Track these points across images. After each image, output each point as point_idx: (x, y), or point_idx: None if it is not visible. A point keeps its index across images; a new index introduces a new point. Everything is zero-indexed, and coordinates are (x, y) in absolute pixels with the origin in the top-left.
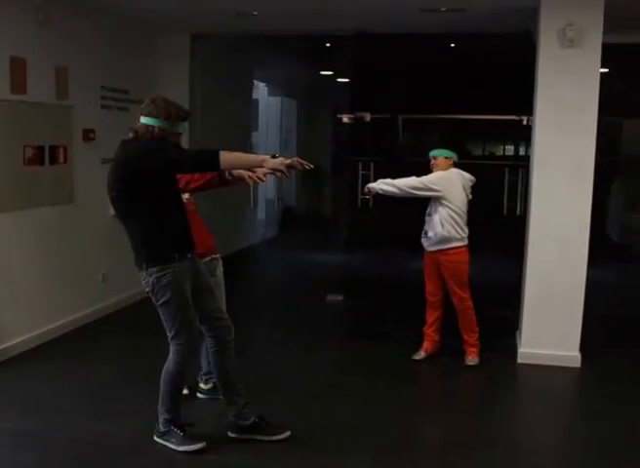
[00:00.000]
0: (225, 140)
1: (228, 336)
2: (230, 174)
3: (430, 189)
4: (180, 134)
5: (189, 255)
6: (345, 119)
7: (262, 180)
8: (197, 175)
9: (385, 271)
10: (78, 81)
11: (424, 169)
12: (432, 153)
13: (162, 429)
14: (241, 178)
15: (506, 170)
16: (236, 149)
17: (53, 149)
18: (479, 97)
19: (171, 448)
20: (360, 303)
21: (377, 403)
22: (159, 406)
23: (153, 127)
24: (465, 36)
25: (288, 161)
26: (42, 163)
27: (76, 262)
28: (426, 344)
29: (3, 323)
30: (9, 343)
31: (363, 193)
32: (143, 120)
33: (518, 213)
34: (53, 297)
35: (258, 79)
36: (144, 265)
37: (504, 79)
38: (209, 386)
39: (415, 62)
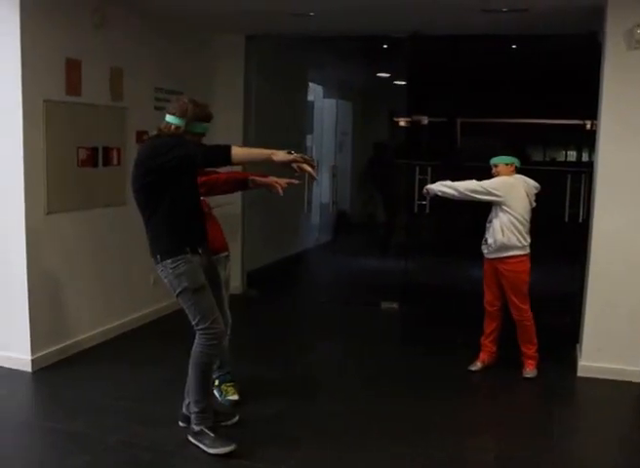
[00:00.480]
0: (279, 142)
1: (222, 332)
2: (253, 181)
3: (490, 193)
4: (201, 134)
5: (201, 251)
6: (402, 122)
7: (282, 189)
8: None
9: (443, 279)
10: (132, 82)
11: (483, 174)
12: (493, 161)
13: (196, 429)
14: (265, 185)
15: (569, 176)
16: (291, 151)
17: (106, 151)
18: (540, 101)
19: (206, 452)
20: (416, 311)
21: (430, 414)
22: (188, 398)
23: (171, 124)
24: (527, 37)
25: (297, 156)
26: (96, 164)
27: (129, 265)
28: (483, 355)
29: (57, 324)
30: (63, 344)
31: (421, 195)
32: (166, 118)
33: (580, 220)
34: (105, 300)
35: (313, 81)
36: (159, 258)
37: (567, 82)
38: (216, 383)
39: (474, 64)
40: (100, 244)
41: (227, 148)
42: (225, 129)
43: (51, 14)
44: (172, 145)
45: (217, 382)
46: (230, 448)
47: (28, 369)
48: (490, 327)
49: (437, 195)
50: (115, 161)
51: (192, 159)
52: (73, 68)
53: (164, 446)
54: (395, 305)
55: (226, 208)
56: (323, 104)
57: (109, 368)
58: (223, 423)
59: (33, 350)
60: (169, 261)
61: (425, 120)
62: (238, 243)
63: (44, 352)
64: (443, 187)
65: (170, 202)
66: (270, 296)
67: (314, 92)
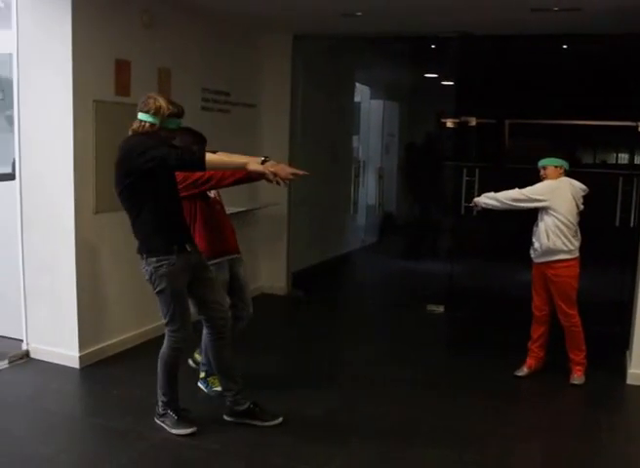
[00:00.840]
0: (326, 143)
1: (224, 327)
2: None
3: (533, 200)
4: (174, 129)
5: (189, 248)
6: (449, 123)
7: (283, 181)
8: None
9: (490, 282)
10: (180, 83)
11: (531, 176)
12: (541, 163)
13: (160, 411)
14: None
15: (620, 179)
16: (337, 152)
17: None
18: (591, 102)
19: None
20: (461, 315)
21: (475, 419)
22: (157, 388)
23: (145, 122)
24: (579, 37)
25: (268, 166)
26: None
27: None
28: (530, 360)
29: (102, 323)
30: (107, 342)
31: (469, 204)
32: (140, 116)
33: (632, 224)
34: (149, 300)
35: (360, 82)
36: (145, 255)
37: (620, 83)
38: (202, 375)
39: (523, 65)
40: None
41: (201, 154)
42: (271, 129)
43: (101, 15)
44: (148, 146)
45: (202, 375)
46: (191, 430)
47: (76, 365)
48: (537, 332)
49: (484, 208)
50: None
51: (166, 162)
52: (123, 69)
53: (208, 445)
54: (441, 308)
55: (272, 208)
56: (370, 105)
57: (153, 366)
58: (268, 423)
59: (81, 347)
60: (153, 260)
61: (473, 121)
62: (284, 243)
63: (91, 349)
64: (486, 199)
65: (153, 202)
66: (316, 297)
67: (361, 92)
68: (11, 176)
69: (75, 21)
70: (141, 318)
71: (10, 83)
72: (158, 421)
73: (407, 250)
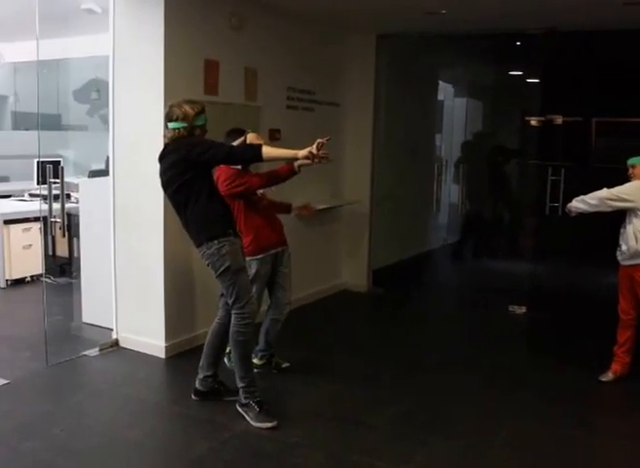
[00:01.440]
0: (408, 141)
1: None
2: (299, 167)
3: (622, 199)
4: (203, 125)
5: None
6: (534, 121)
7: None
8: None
9: (574, 284)
10: (266, 82)
11: (618, 177)
12: (631, 161)
13: (243, 401)
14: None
15: None
16: (419, 150)
17: None
18: None
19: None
20: (544, 317)
21: (556, 424)
22: (236, 377)
23: (179, 129)
24: None
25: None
26: None
27: None
28: (615, 366)
29: (188, 314)
30: (192, 334)
31: (552, 197)
32: (171, 125)
33: None
34: None
35: (443, 80)
36: (206, 242)
37: None
38: (262, 362)
39: (611, 61)
40: None
41: (259, 147)
42: (354, 127)
43: (192, 18)
44: (209, 144)
45: (228, 349)
46: (272, 424)
47: (162, 355)
48: (623, 336)
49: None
50: None
51: (229, 156)
52: (211, 69)
53: (287, 438)
54: (523, 309)
55: (355, 206)
56: (453, 104)
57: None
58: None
59: (167, 338)
60: (215, 243)
61: (559, 119)
62: (365, 240)
63: (177, 340)
64: (576, 203)
65: (206, 193)
66: (396, 295)
67: (444, 90)
68: (105, 173)
69: (167, 24)
70: None
71: (105, 84)
72: (240, 410)
73: (489, 249)
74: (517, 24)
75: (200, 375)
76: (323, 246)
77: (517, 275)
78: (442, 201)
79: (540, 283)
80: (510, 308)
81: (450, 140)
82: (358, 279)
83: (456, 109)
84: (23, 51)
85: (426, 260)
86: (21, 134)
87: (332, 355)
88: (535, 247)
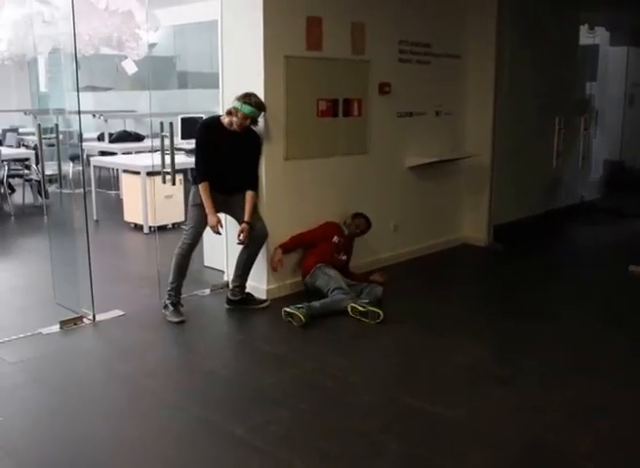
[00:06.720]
0: (540, 94)
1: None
2: None
3: None
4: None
5: None
6: None
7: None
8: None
9: None
10: (375, 36)
11: None
12: None
13: (166, 301)
14: None
15: None
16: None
17: (347, 102)
18: None
19: None
20: None
21: None
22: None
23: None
24: None
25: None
26: (335, 115)
27: (369, 211)
28: None
29: (290, 262)
30: (291, 280)
31: None
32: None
33: None
34: None
35: (597, 24)
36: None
37: None
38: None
39: None
40: (341, 190)
41: (202, 181)
42: (476, 79)
43: None
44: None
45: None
46: (178, 319)
47: (264, 297)
48: None
49: None
50: (356, 112)
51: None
52: (314, 25)
53: (348, 376)
54: None
55: (477, 158)
56: (607, 51)
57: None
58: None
59: (269, 282)
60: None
61: None
62: (486, 195)
63: (275, 285)
64: None
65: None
66: (516, 252)
67: (600, 36)
68: None
69: None
70: None
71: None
72: (163, 310)
73: (631, 209)
74: None
75: (230, 286)
76: (443, 199)
77: None
78: (587, 157)
79: None
80: (631, 268)
81: (604, 92)
82: (478, 233)
83: (610, 58)
84: (179, 15)
85: (555, 218)
86: (186, 92)
87: (443, 307)
88: None
